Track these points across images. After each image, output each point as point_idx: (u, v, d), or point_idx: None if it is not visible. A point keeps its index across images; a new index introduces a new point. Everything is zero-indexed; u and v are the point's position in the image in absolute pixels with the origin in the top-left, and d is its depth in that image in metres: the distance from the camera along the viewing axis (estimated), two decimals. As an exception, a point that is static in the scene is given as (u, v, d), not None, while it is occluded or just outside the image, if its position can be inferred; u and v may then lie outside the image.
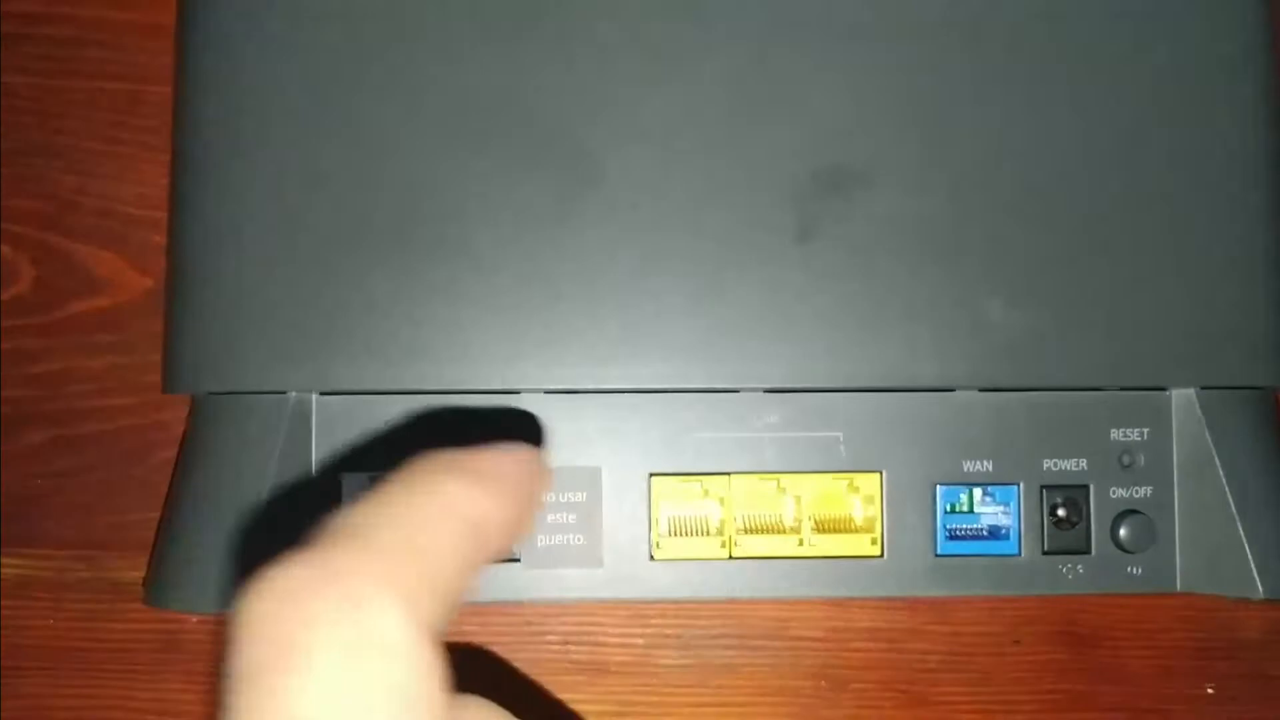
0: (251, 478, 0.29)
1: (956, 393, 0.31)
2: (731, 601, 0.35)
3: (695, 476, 0.31)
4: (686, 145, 0.30)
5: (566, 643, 0.35)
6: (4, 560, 0.35)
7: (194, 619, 0.35)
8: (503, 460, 0.19)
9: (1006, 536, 0.31)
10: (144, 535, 0.34)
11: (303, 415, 0.30)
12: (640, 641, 0.35)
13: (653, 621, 0.35)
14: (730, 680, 0.35)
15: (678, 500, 0.31)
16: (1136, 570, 0.31)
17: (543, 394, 0.30)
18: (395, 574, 0.16)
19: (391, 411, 0.30)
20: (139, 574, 0.34)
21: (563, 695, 0.35)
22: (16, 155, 0.35)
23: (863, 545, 0.31)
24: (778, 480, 0.31)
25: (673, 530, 0.31)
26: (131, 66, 0.35)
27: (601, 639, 0.35)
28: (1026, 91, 0.31)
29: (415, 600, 0.16)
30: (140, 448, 0.35)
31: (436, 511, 0.17)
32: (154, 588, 0.30)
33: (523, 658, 0.35)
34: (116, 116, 0.35)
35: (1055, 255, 0.31)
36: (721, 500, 0.31)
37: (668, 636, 0.35)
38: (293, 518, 0.30)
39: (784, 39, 0.31)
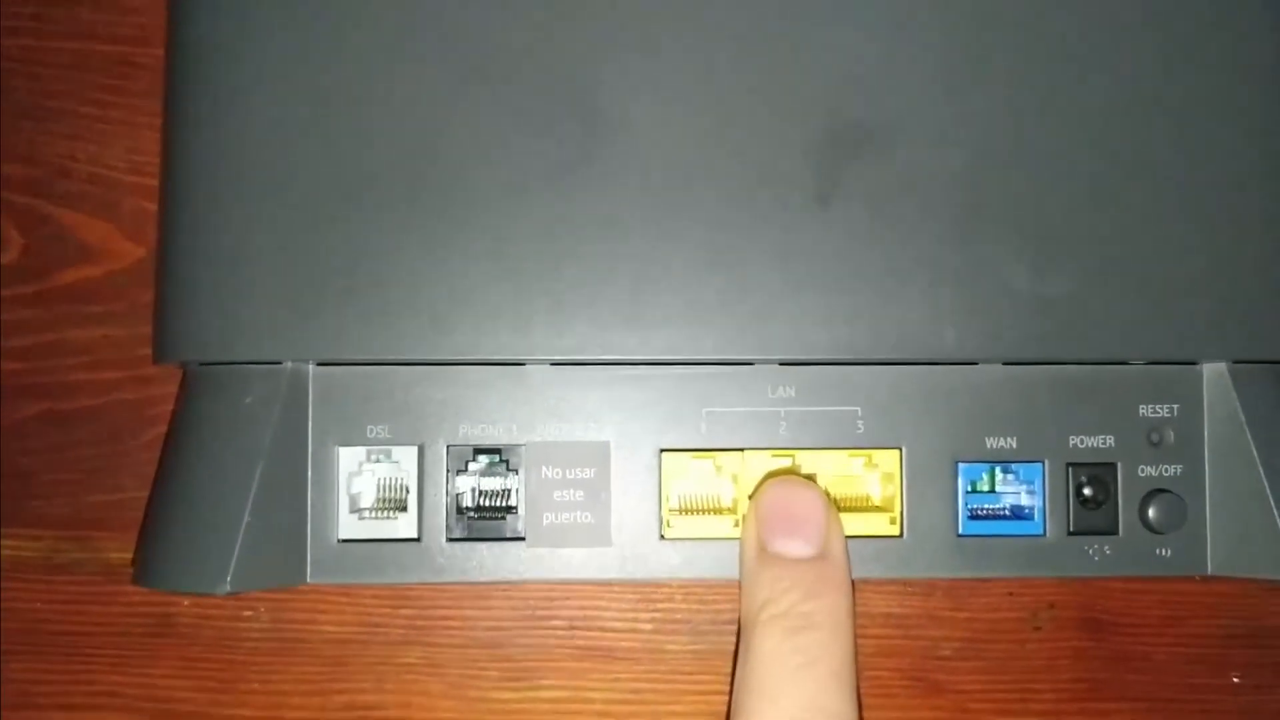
0: (246, 451, 0.28)
1: (979, 366, 0.30)
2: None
3: (707, 452, 0.29)
4: (699, 104, 0.29)
5: (572, 627, 0.34)
6: (-8, 539, 0.33)
7: (186, 602, 0.34)
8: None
9: (1031, 516, 0.30)
10: (137, 515, 0.33)
11: (299, 386, 0.29)
12: (648, 626, 0.34)
13: (660, 605, 0.34)
14: (741, 666, 0.34)
15: (689, 477, 0.29)
16: (1166, 552, 0.30)
17: (549, 365, 0.29)
18: None
19: (391, 383, 0.29)
20: (130, 555, 0.33)
21: (569, 682, 0.34)
22: (4, 118, 0.34)
23: (881, 524, 0.29)
24: (793, 456, 0.29)
25: (684, 508, 0.29)
26: (125, 28, 0.34)
27: (608, 624, 0.34)
28: (1057, 52, 0.30)
29: None
30: (134, 423, 0.34)
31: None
32: (144, 567, 0.28)
33: (526, 643, 0.34)
34: (109, 80, 0.34)
35: (1083, 225, 0.29)
36: (734, 477, 0.29)
37: (676, 621, 0.34)
38: (289, 493, 0.28)
39: (801, -3, 0.30)
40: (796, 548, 0.26)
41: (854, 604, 0.26)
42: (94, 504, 0.34)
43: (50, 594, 0.33)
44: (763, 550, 0.27)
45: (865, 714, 0.32)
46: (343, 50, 0.29)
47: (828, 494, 0.28)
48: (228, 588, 0.27)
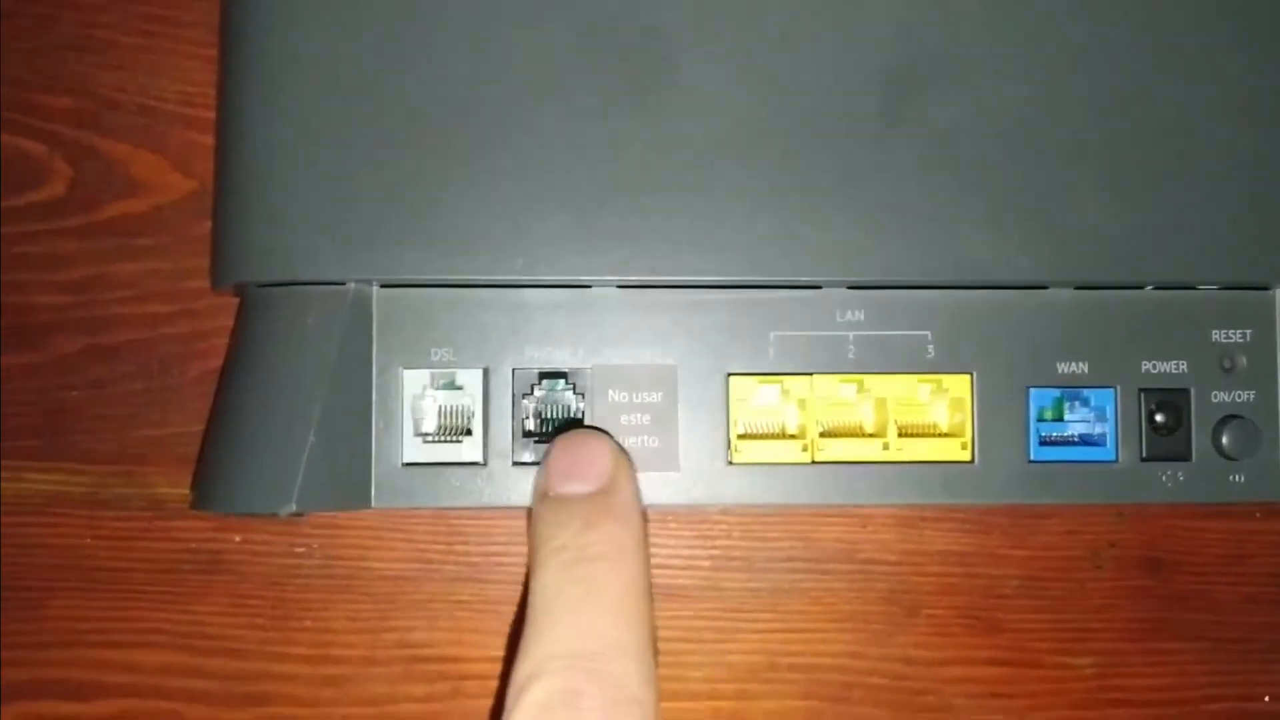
0: (308, 372, 0.28)
1: (1050, 290, 0.29)
2: (812, 513, 0.33)
3: (775, 377, 0.29)
4: (767, 24, 0.29)
5: (626, 566, 0.33)
6: (37, 476, 0.33)
7: (238, 538, 0.33)
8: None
9: (1103, 442, 0.29)
10: (184, 450, 0.33)
11: (362, 307, 0.28)
12: (706, 563, 0.34)
13: (718, 543, 0.34)
14: (799, 604, 0.34)
15: (756, 402, 0.29)
16: (1239, 478, 0.29)
17: (615, 287, 0.29)
18: None
19: (456, 305, 0.28)
20: (180, 490, 0.33)
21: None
22: (51, 50, 0.33)
23: (952, 450, 0.29)
24: (861, 381, 0.29)
25: (751, 433, 0.29)
26: (173, -45, 0.34)
27: (666, 561, 0.34)
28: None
29: None
30: (180, 356, 0.33)
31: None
32: (206, 491, 0.28)
33: (580, 581, 0.33)
34: (157, 9, 0.34)
35: (1154, 147, 0.29)
36: (802, 402, 0.29)
37: (734, 559, 0.34)
38: (353, 416, 0.28)
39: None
40: (576, 487, 0.26)
41: (643, 535, 0.26)
42: (140, 439, 0.33)
43: (96, 530, 0.33)
44: (545, 494, 0.26)
45: (926, 653, 0.32)
46: (407, -36, 0.28)
47: (617, 443, 0.27)
48: (293, 507, 0.27)
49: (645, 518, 0.26)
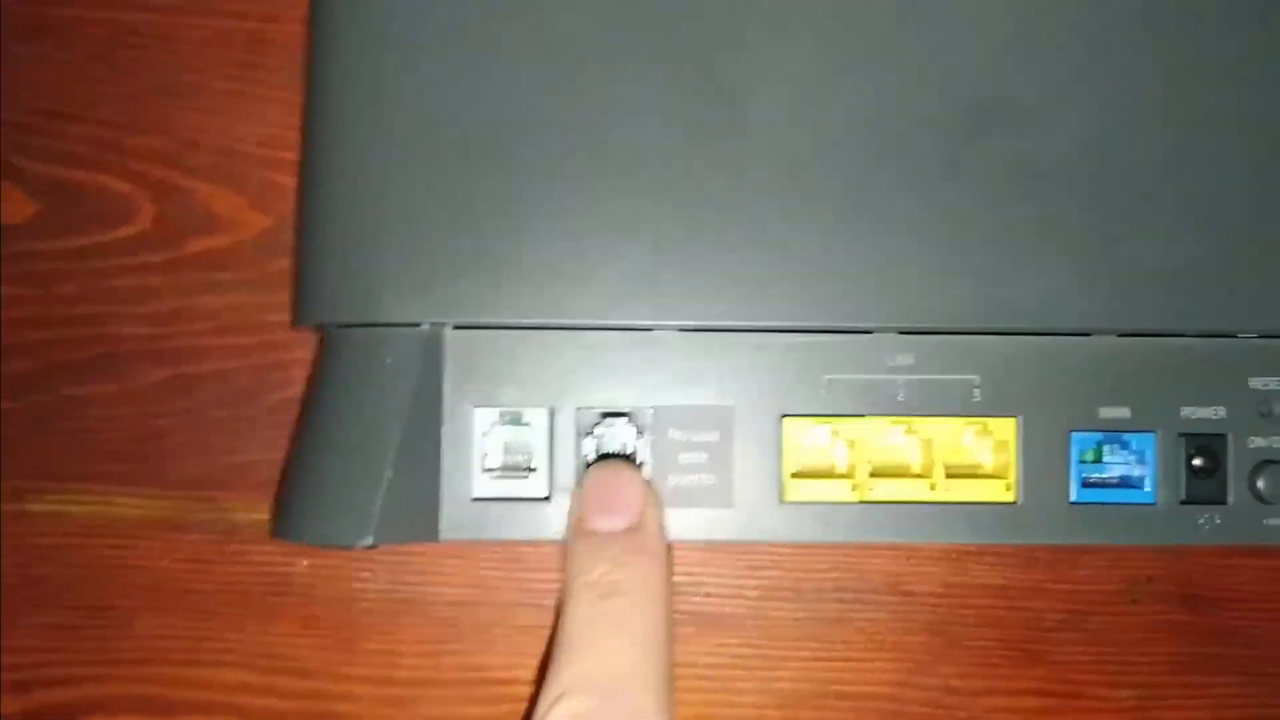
0: (386, 410, 0.29)
1: (1094, 337, 0.30)
2: (859, 546, 0.34)
3: (827, 418, 0.30)
4: (826, 74, 0.30)
5: (677, 593, 0.35)
6: (123, 500, 0.34)
7: (305, 563, 0.35)
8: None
9: (1142, 485, 0.30)
10: (261, 476, 0.34)
11: (435, 348, 0.30)
12: (753, 593, 0.35)
13: (765, 573, 0.35)
14: (843, 634, 0.35)
15: (809, 442, 0.30)
16: (1274, 522, 0.30)
17: (677, 331, 0.30)
18: None
19: (524, 345, 0.30)
20: (256, 515, 0.34)
21: (676, 646, 0.35)
22: (139, 94, 0.35)
23: (997, 491, 0.30)
24: (910, 424, 0.30)
25: (803, 472, 0.30)
26: (257, 5, 0.35)
27: (713, 590, 0.35)
28: (1178, 25, 0.30)
29: None
30: (257, 387, 0.35)
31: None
32: (286, 522, 0.30)
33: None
34: (241, 56, 0.35)
35: (1196, 200, 0.30)
36: (853, 443, 0.30)
37: (781, 589, 0.35)
38: (424, 452, 0.29)
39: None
40: (610, 522, 0.28)
41: (669, 571, 0.28)
42: (220, 465, 0.35)
43: (176, 553, 0.35)
44: (580, 527, 0.28)
45: (968, 683, 0.33)
46: (482, 24, 0.30)
47: (647, 479, 0.29)
48: (370, 541, 0.28)
49: (670, 553, 0.28)
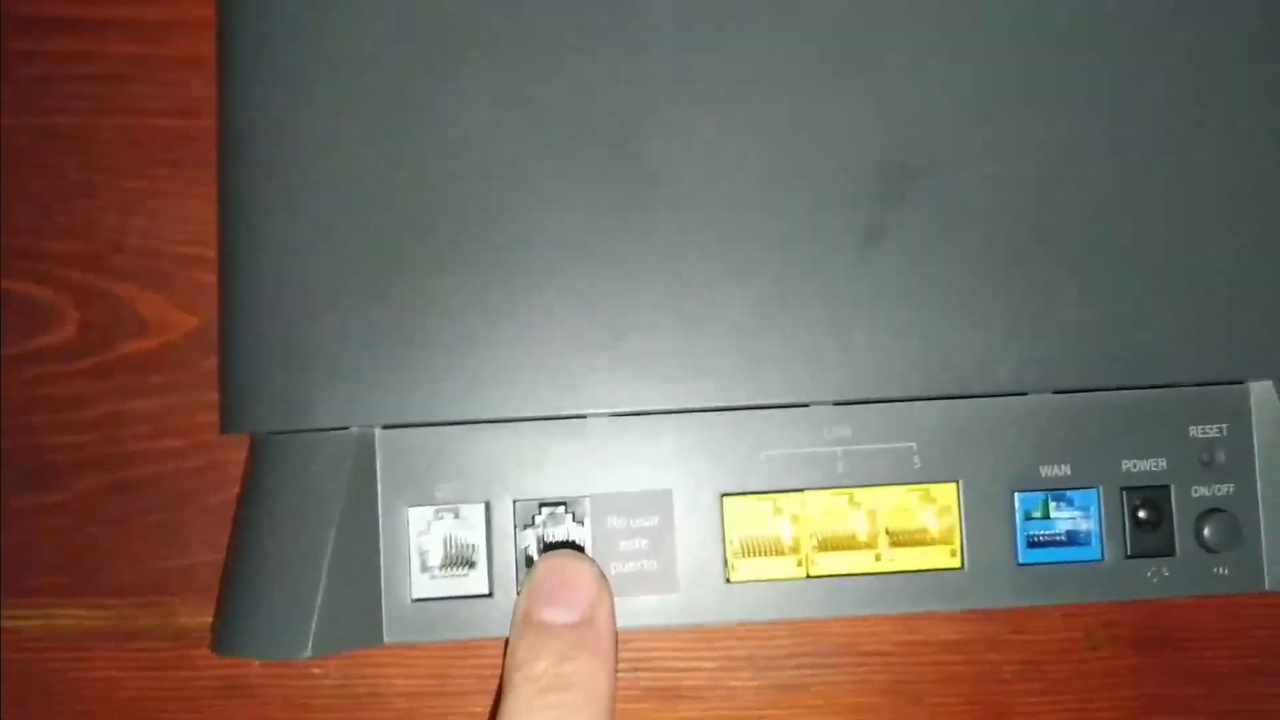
0: (318, 518, 0.29)
1: (1030, 396, 0.30)
2: (808, 621, 0.34)
3: (767, 495, 0.30)
4: (743, 151, 0.30)
5: (635, 669, 0.35)
6: (63, 612, 0.34)
7: (257, 664, 0.34)
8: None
9: (1088, 541, 0.30)
10: (205, 579, 0.34)
11: (366, 450, 0.29)
12: (710, 664, 0.35)
13: (720, 644, 0.35)
14: (804, 699, 0.35)
15: (750, 520, 0.30)
16: (1223, 570, 0.30)
17: (609, 417, 0.30)
18: None
19: (455, 442, 0.29)
20: (202, 619, 0.34)
21: (635, 722, 0.34)
22: (58, 198, 0.35)
23: (942, 557, 0.30)
24: (851, 494, 0.30)
25: (747, 551, 0.30)
26: (173, 101, 0.35)
27: (670, 664, 0.35)
28: (1097, 83, 0.30)
29: None
30: (197, 489, 0.34)
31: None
32: (225, 637, 0.29)
33: (592, 686, 0.34)
34: (158, 153, 0.35)
35: (1123, 251, 0.30)
36: (795, 518, 0.30)
37: (737, 658, 0.35)
38: (362, 555, 0.29)
39: (838, 29, 0.30)
40: (558, 615, 0.27)
41: (614, 666, 0.27)
42: (163, 570, 0.34)
43: (124, 661, 0.34)
44: (527, 618, 0.28)
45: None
46: (395, 118, 0.30)
47: (600, 571, 0.29)
48: (309, 653, 0.28)
49: (616, 646, 0.27)
